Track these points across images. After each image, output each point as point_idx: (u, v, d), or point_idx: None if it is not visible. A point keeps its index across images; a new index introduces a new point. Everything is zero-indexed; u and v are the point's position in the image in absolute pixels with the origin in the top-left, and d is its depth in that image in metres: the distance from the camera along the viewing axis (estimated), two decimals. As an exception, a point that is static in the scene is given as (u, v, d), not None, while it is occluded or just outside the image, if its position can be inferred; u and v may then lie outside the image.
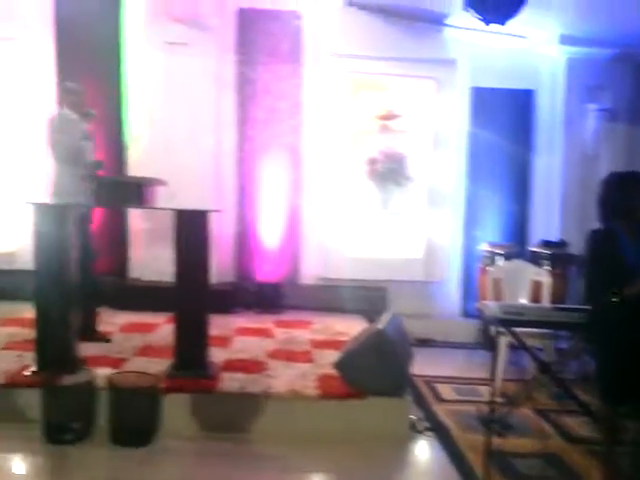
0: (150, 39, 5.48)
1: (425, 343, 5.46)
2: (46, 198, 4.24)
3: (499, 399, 3.53)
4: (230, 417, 3.51)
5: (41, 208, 3.69)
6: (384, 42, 5.57)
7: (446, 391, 4.46)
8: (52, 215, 3.65)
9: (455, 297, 6.01)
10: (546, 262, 5.19)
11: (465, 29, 5.52)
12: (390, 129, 5.78)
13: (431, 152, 5.79)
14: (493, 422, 3.26)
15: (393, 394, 3.59)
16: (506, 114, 5.77)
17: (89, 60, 5.50)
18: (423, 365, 4.36)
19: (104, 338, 4.42)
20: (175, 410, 3.47)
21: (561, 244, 5.43)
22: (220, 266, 5.69)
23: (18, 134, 5.68)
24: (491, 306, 3.27)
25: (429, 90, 5.76)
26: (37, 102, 5.63)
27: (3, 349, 4.12)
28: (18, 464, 3.14)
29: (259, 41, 5.61)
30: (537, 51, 5.78)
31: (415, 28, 5.61)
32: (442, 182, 5.83)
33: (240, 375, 3.76)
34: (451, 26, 5.62)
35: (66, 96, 4.38)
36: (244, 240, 5.74)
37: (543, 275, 4.62)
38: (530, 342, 3.65)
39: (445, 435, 3.68)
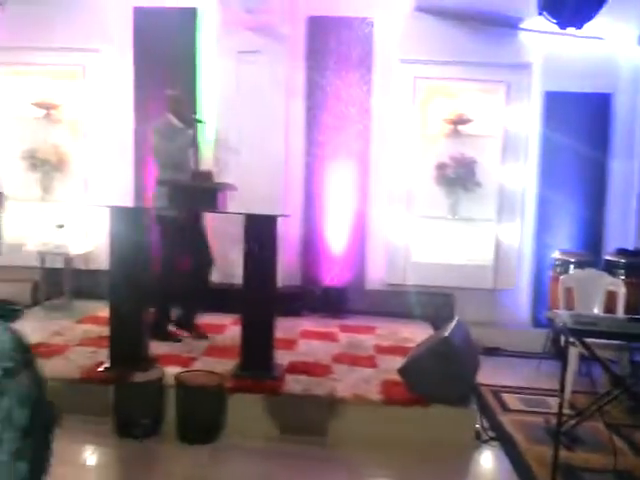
0: (223, 49, 5.63)
1: (492, 352, 5.35)
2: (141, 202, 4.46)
3: (568, 411, 3.43)
4: (293, 419, 3.56)
5: (117, 211, 3.85)
6: (454, 47, 5.52)
7: (513, 401, 4.36)
8: (127, 217, 3.81)
9: (524, 305, 5.86)
10: (621, 271, 4.99)
11: (539, 32, 5.40)
12: (460, 134, 5.70)
13: (502, 157, 5.67)
14: (562, 434, 3.17)
15: (458, 402, 3.55)
16: (581, 118, 5.59)
17: (165, 70, 5.71)
18: (490, 374, 4.30)
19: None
20: (240, 410, 3.55)
21: (637, 253, 5.22)
22: (287, 270, 5.77)
23: (100, 141, 5.95)
24: (562, 315, 3.19)
25: (501, 94, 5.66)
26: (118, 111, 5.90)
27: (78, 345, 4.32)
28: (89, 456, 3.28)
29: (329, 48, 5.67)
30: (615, 53, 5.58)
31: (486, 32, 5.53)
32: (513, 188, 5.71)
33: (304, 377, 3.81)
34: (525, 29, 5.50)
35: (170, 104, 4.57)
36: (311, 244, 5.80)
37: (618, 285, 4.45)
38: (602, 354, 3.52)
39: (511, 446, 3.60)
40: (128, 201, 5.75)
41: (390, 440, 3.43)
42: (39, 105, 5.95)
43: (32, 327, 4.81)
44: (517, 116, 5.63)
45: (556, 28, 4.75)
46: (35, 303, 5.81)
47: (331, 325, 5.32)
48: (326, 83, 5.69)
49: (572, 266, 5.20)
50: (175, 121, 4.48)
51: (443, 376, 3.48)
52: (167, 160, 4.34)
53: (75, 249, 5.64)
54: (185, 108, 4.52)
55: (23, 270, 6.00)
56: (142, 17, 5.75)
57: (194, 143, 4.57)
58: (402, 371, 3.68)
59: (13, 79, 6.05)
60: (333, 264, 5.77)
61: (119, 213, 3.84)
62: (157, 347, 4.26)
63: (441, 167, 5.71)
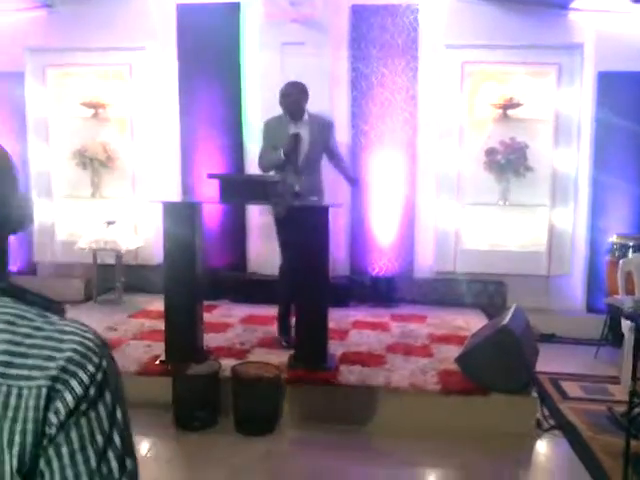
0: (267, 42, 5.62)
1: (547, 339, 5.25)
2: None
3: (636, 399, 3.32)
4: (349, 410, 3.54)
5: (169, 206, 3.88)
6: (502, 30, 5.39)
7: (572, 389, 4.24)
8: (179, 212, 3.84)
9: (579, 291, 5.72)
10: (682, 253, 4.82)
11: (590, 11, 5.23)
12: (510, 118, 5.57)
13: (554, 141, 5.52)
14: (630, 423, 3.07)
15: (518, 391, 3.47)
16: (636, 98, 5.39)
17: (209, 65, 5.74)
18: (547, 361, 4.17)
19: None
20: (295, 401, 3.55)
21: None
22: (335, 260, 5.75)
23: (147, 138, 6.02)
24: (623, 301, 3.09)
25: (552, 77, 5.49)
26: (164, 108, 5.95)
27: (133, 339, 4.38)
28: (149, 448, 3.31)
29: (373, 36, 5.61)
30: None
31: (535, 13, 5.38)
32: (566, 172, 5.54)
33: (358, 368, 3.78)
34: (575, 9, 5.34)
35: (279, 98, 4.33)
36: (358, 234, 5.76)
37: (681, 268, 4.29)
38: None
39: (573, 435, 3.51)
40: (175, 196, 5.82)
41: (449, 430, 3.38)
42: (87, 105, 6.04)
43: (86, 322, 4.88)
44: (569, 98, 5.46)
45: (609, 6, 4.58)
46: (88, 299, 5.92)
47: (382, 315, 5.27)
48: (371, 72, 5.63)
49: (631, 250, 5.04)
50: (280, 116, 4.31)
51: (503, 365, 3.41)
52: (272, 156, 4.20)
53: (125, 245, 5.72)
54: (292, 101, 4.19)
55: (77, 266, 6.14)
56: (185, 13, 5.78)
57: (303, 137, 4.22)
58: (460, 360, 3.61)
59: (62, 80, 6.16)
60: (381, 253, 5.72)
61: (171, 208, 3.87)
62: (210, 339, 4.30)
63: (491, 153, 5.58)
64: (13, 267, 6.33)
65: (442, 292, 5.75)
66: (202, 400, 3.45)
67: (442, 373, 3.71)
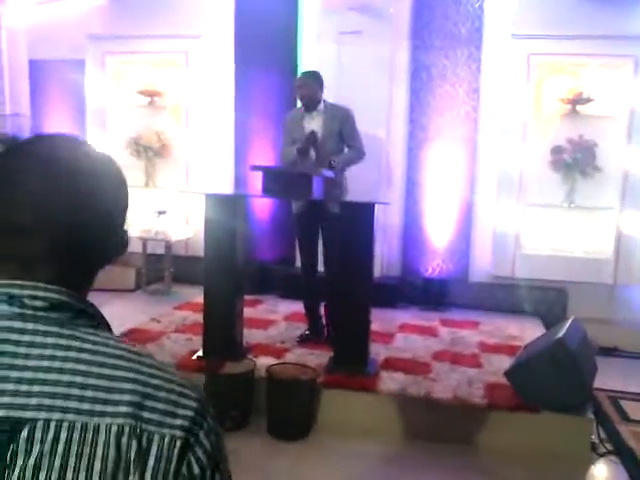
0: (325, 30, 5.46)
1: (610, 352, 4.91)
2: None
3: None
4: (387, 419, 3.35)
5: (212, 198, 3.78)
6: (573, 19, 5.03)
7: (634, 409, 3.90)
8: (222, 204, 3.73)
9: (648, 302, 5.32)
10: None
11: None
12: (579, 114, 5.21)
13: (627, 139, 5.12)
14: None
15: (572, 410, 3.20)
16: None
17: (266, 54, 5.62)
18: (607, 378, 3.87)
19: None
20: (332, 406, 3.39)
21: None
22: (387, 259, 5.56)
23: (202, 127, 5.96)
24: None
25: (627, 70, 5.10)
26: (219, 97, 5.88)
27: (174, 332, 4.32)
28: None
29: (435, 26, 5.35)
30: None
31: (610, 1, 5.00)
32: (638, 172, 5.14)
33: (401, 375, 3.59)
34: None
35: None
36: (412, 233, 5.53)
37: None
38: None
39: (633, 462, 3.21)
40: (228, 187, 5.75)
41: (493, 448, 3.17)
42: (143, 93, 6.05)
43: (131, 312, 4.90)
44: (645, 93, 5.06)
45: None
46: (139, 287, 5.94)
47: (431, 318, 5.04)
48: (431, 63, 5.37)
49: None
50: (298, 109, 4.27)
51: (557, 382, 3.15)
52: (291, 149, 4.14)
53: (175, 235, 5.69)
54: (307, 93, 4.10)
55: (128, 255, 6.16)
56: (243, 1, 5.68)
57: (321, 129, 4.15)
58: (510, 374, 3.36)
59: (121, 68, 6.19)
60: (435, 254, 5.47)
61: (214, 200, 3.77)
62: (251, 335, 4.20)
63: (557, 151, 5.24)
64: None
65: (498, 298, 5.45)
66: (235, 400, 3.34)
67: (490, 386, 3.48)
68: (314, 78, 4.15)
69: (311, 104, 4.12)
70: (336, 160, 3.99)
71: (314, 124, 4.10)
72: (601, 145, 5.18)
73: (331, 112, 4.14)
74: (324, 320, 4.26)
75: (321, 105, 4.14)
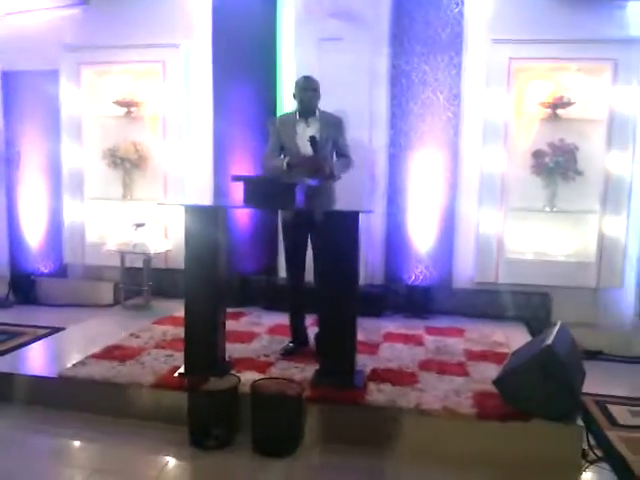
0: (304, 37, 5.41)
1: (594, 356, 4.89)
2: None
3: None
4: (376, 432, 3.27)
5: (192, 210, 3.69)
6: (553, 23, 5.03)
7: (622, 414, 3.85)
8: (202, 216, 3.64)
9: (631, 306, 5.31)
10: None
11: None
12: (560, 118, 5.20)
13: (607, 143, 5.12)
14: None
15: (562, 418, 3.15)
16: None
17: (245, 62, 5.54)
18: (593, 381, 3.79)
19: None
20: (319, 421, 3.31)
21: None
22: (369, 267, 5.50)
23: (180, 138, 5.86)
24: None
25: (606, 74, 5.10)
26: (197, 107, 5.81)
27: (154, 348, 4.21)
28: (159, 466, 3.11)
29: (415, 31, 5.31)
30: None
31: (589, 5, 5.01)
32: (619, 176, 5.13)
33: (388, 387, 3.52)
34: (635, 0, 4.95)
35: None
36: (395, 240, 5.47)
37: None
38: None
39: (623, 468, 3.17)
40: (208, 198, 5.66)
41: (484, 458, 3.10)
42: (120, 103, 5.94)
43: (110, 328, 4.78)
44: (625, 97, 5.06)
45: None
46: (117, 302, 5.82)
47: (416, 327, 4.98)
48: (412, 69, 5.33)
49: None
50: (290, 113, 4.25)
51: (546, 389, 3.10)
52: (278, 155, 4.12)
53: (154, 248, 5.58)
54: (302, 98, 4.07)
55: (106, 269, 6.05)
56: (221, 8, 5.60)
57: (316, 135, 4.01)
58: (498, 382, 3.31)
59: (96, 78, 6.08)
60: (418, 261, 5.43)
61: (194, 212, 3.68)
62: (234, 349, 4.11)
63: (538, 155, 5.23)
64: (44, 269, 6.29)
65: (482, 304, 5.42)
66: (218, 417, 3.24)
67: (478, 395, 3.42)
68: (317, 84, 4.12)
69: (310, 110, 4.08)
70: (336, 167, 3.97)
71: (309, 131, 4.03)
72: (582, 148, 5.18)
73: (326, 120, 4.09)
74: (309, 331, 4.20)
75: (317, 112, 4.11)
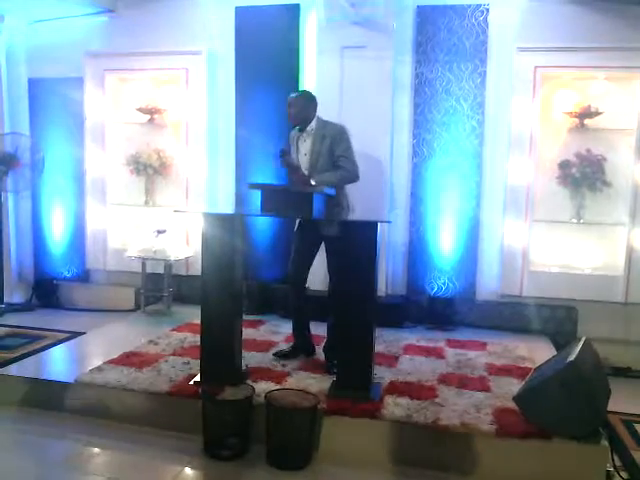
0: (327, 45, 5.36)
1: (622, 373, 4.75)
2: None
3: None
4: (392, 447, 3.20)
5: (209, 217, 3.67)
6: (581, 31, 4.94)
7: (650, 434, 3.75)
8: (220, 224, 3.62)
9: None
10: None
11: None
12: (587, 128, 5.08)
13: (636, 153, 4.98)
14: None
15: (586, 437, 3.04)
16: None
17: (268, 69, 5.53)
18: (620, 400, 3.69)
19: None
20: (334, 434, 3.25)
21: None
22: (392, 278, 5.43)
23: (202, 145, 5.86)
24: None
25: (636, 83, 4.98)
26: (220, 114, 5.83)
27: (172, 355, 4.19)
28: (173, 475, 3.06)
29: (439, 39, 5.26)
30: None
31: (619, 12, 4.90)
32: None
33: (406, 401, 3.44)
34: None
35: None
36: (417, 251, 5.39)
37: None
38: None
39: (652, 493, 3.05)
40: (229, 205, 5.65)
41: (504, 478, 3.00)
42: (143, 110, 5.97)
43: (130, 334, 4.78)
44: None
45: None
46: (139, 308, 5.82)
47: (437, 339, 4.89)
48: (436, 77, 5.27)
49: None
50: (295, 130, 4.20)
51: (569, 408, 2.99)
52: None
53: (175, 254, 5.58)
54: (295, 112, 4.05)
55: (128, 275, 6.06)
56: (244, 16, 5.60)
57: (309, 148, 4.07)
58: (519, 399, 3.21)
59: (120, 85, 6.12)
60: (441, 272, 5.33)
61: (211, 219, 3.66)
62: (251, 358, 4.08)
63: (565, 165, 5.12)
64: (67, 274, 6.34)
65: (506, 317, 5.32)
66: (233, 427, 3.20)
67: (499, 411, 3.32)
68: (304, 97, 4.10)
69: (300, 124, 4.06)
70: (315, 180, 3.88)
71: (305, 145, 4.05)
72: (610, 159, 5.05)
73: (322, 131, 4.02)
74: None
75: (312, 124, 4.05)
